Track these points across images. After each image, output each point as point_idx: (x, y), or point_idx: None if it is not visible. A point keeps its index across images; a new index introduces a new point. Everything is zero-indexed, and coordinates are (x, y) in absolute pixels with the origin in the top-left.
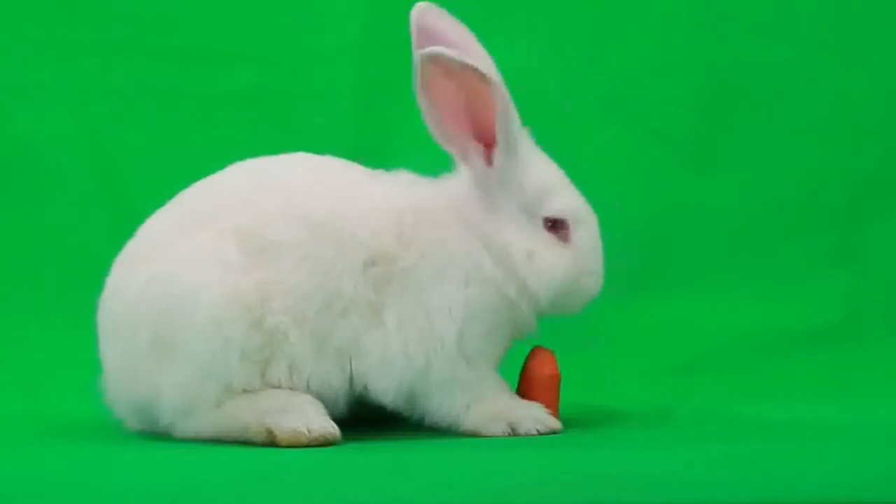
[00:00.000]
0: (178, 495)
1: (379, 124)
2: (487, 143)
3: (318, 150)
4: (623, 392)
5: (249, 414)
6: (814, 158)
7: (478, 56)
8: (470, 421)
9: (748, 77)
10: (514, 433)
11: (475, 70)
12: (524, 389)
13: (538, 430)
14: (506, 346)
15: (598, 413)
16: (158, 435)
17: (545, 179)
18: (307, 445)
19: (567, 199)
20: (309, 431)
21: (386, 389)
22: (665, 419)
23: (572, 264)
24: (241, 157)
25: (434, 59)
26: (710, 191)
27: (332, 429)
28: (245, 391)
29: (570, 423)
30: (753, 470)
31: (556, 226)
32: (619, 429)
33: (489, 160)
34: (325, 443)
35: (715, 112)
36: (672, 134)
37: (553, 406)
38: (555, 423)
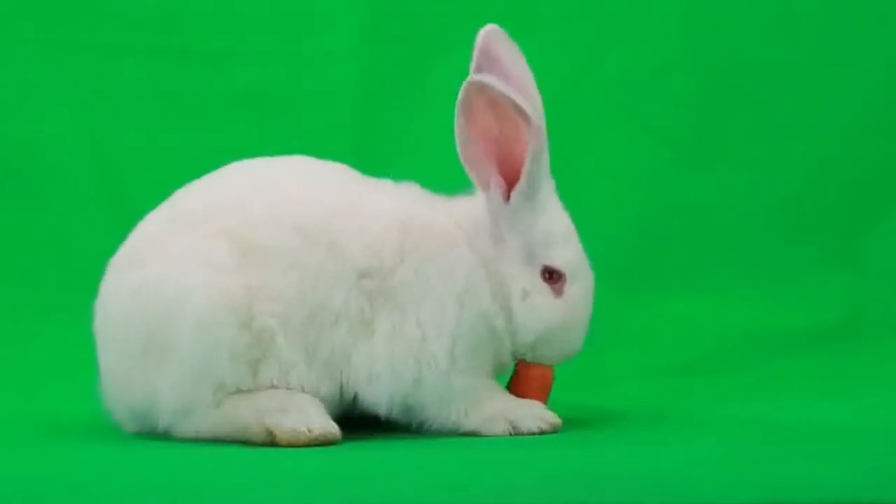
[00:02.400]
0: (178, 495)
1: (379, 124)
2: (510, 179)
3: (318, 149)
4: (622, 392)
5: (249, 414)
6: (814, 158)
7: (529, 93)
8: (470, 423)
9: (748, 77)
10: (515, 432)
11: (521, 110)
12: (515, 386)
13: (540, 428)
14: (489, 374)
15: (598, 413)
16: (158, 436)
17: (554, 228)
18: (307, 445)
19: (570, 253)
20: (309, 431)
21: (378, 403)
22: (664, 419)
23: (561, 316)
24: (240, 157)
25: (482, 89)
26: (710, 191)
27: (333, 428)
28: (242, 391)
29: (570, 422)
30: (753, 470)
31: (553, 277)
32: (618, 428)
33: (507, 196)
34: (325, 442)
35: (715, 112)
36: (672, 133)
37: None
38: (556, 420)
